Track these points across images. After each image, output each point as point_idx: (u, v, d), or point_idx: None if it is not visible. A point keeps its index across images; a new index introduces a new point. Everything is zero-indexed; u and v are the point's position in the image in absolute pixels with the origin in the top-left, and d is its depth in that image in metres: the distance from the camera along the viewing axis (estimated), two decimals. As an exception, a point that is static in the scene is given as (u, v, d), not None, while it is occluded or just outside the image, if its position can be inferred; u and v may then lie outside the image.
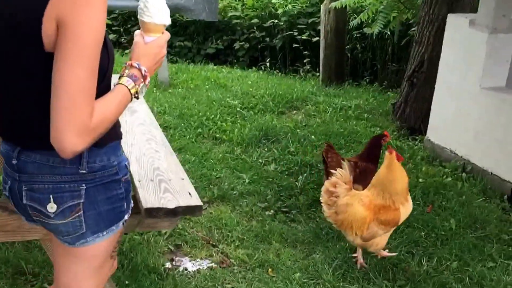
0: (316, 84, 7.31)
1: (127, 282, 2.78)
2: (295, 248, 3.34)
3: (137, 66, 1.58)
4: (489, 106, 4.35)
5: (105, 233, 1.66)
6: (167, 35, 1.68)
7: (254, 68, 8.50)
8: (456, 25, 4.69)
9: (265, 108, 5.78)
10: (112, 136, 1.63)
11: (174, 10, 6.68)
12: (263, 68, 8.53)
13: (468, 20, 4.53)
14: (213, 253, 3.20)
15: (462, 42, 4.61)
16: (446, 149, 4.79)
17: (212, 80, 6.80)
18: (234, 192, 3.90)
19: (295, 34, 8.75)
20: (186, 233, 3.36)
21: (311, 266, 3.14)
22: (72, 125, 1.39)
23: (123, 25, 9.63)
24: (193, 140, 4.86)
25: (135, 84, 1.56)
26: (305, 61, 8.39)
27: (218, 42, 9.33)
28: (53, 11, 1.40)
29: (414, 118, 5.50)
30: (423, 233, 3.56)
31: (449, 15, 4.83)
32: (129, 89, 1.54)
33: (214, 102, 5.75)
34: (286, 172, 4.28)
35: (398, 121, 5.60)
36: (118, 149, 1.69)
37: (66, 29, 1.39)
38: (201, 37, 9.46)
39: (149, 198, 2.29)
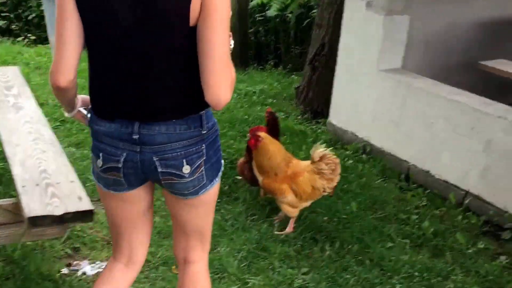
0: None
1: (19, 292, 2.65)
2: (199, 242, 3.30)
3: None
4: (386, 88, 4.48)
5: (217, 178, 1.98)
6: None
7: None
8: (353, 7, 4.76)
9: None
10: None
11: None
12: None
13: (365, 2, 4.60)
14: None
15: (359, 25, 4.70)
16: (347, 132, 4.90)
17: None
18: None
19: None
20: (85, 235, 3.24)
21: (216, 260, 3.12)
22: (228, 81, 1.73)
23: (13, 11, 9.15)
24: (92, 133, 4.69)
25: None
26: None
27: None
28: None
29: (317, 101, 5.58)
30: (326, 217, 3.63)
31: (346, -3, 4.91)
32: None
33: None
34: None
35: (302, 105, 5.66)
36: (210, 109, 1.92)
37: (211, 4, 1.67)
38: None
39: (33, 205, 2.17)
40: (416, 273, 3.12)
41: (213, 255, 3.16)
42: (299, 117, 5.48)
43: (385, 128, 4.50)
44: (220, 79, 1.71)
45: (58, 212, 2.14)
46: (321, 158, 3.38)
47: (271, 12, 7.86)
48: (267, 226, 3.47)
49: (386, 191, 4.02)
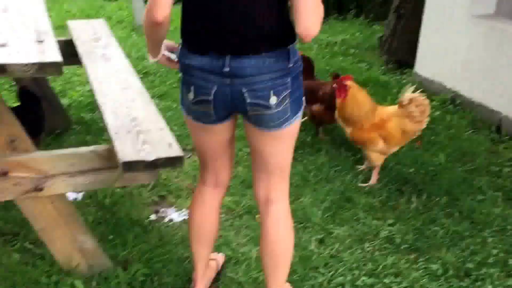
0: (300, 20, 7.17)
1: (111, 236, 2.77)
2: (283, 192, 3.33)
3: None
4: (478, 34, 4.28)
5: (299, 113, 2.07)
6: None
7: None
8: (442, -49, 4.57)
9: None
10: (295, 33, 1.92)
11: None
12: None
13: None
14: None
15: (449, -31, 4.50)
16: (434, 82, 4.75)
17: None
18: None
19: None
20: (171, 183, 3.34)
21: (300, 209, 3.14)
22: (318, 15, 1.81)
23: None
24: (175, 85, 4.78)
25: None
26: (288, -4, 8.19)
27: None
28: None
29: (402, 51, 5.43)
30: (412, 169, 3.57)
31: None
32: None
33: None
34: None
35: (386, 55, 5.53)
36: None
37: None
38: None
39: (127, 151, 2.23)
40: (509, 227, 3.03)
41: (296, 205, 3.19)
42: (383, 67, 5.36)
43: (476, 78, 4.33)
44: (314, 16, 1.80)
45: (150, 157, 2.20)
46: (410, 100, 3.30)
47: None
48: (351, 177, 3.46)
49: (476, 143, 3.90)
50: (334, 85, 3.52)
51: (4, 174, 2.19)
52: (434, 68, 4.77)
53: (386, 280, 2.61)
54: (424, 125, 3.35)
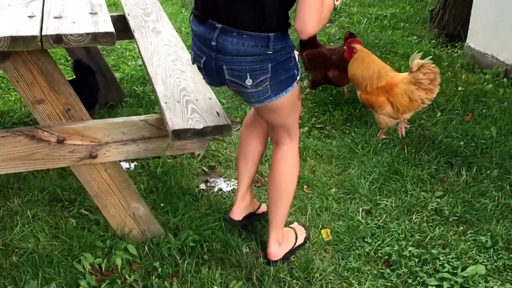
0: (349, -6, 7.10)
1: (162, 204, 2.86)
2: (330, 164, 3.35)
3: None
4: (533, 5, 4.16)
5: (284, 93, 2.22)
6: None
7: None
8: None
9: (295, 23, 5.66)
10: (287, 24, 2.12)
11: None
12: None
13: None
14: (248, 173, 3.24)
15: None
16: (487, 55, 4.64)
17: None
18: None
19: None
20: (220, 154, 3.40)
21: (347, 181, 3.16)
22: (314, 17, 1.97)
23: None
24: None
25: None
26: (337, -30, 8.10)
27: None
28: None
29: (453, 24, 5.31)
30: (462, 142, 3.52)
31: None
32: (334, 1, 2.16)
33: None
34: (320, 88, 4.23)
35: (436, 29, 5.42)
36: (288, 36, 2.17)
37: None
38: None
39: (176, 120, 2.30)
40: (562, 200, 2.98)
41: (343, 176, 3.21)
42: (433, 41, 5.26)
43: (531, 50, 4.21)
44: (309, 15, 1.96)
45: (199, 126, 2.25)
46: (420, 67, 3.30)
47: None
48: (399, 150, 3.44)
49: (530, 117, 3.81)
50: (345, 47, 3.64)
51: (61, 141, 2.29)
52: (487, 41, 4.65)
53: (434, 251, 2.61)
54: (434, 94, 3.35)
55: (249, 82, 2.16)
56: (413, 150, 3.44)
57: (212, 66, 2.19)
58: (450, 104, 3.96)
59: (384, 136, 3.58)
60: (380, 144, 3.49)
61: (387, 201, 2.99)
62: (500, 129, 3.66)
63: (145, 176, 3.12)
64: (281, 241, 2.55)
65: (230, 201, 2.96)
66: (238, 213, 2.68)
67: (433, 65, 3.32)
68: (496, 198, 3.01)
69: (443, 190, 3.10)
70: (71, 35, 2.00)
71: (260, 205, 2.83)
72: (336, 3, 2.20)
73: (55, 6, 2.34)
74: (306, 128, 3.72)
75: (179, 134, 2.25)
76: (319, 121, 3.81)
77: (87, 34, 2.01)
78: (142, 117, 2.44)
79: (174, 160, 3.27)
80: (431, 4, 6.19)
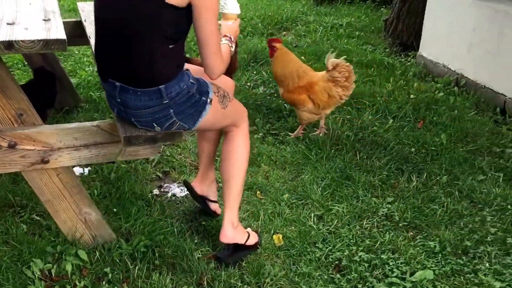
0: (307, 3, 7.20)
1: (114, 209, 2.84)
2: (284, 170, 3.40)
3: (228, 36, 2.53)
4: (482, 17, 4.30)
5: (200, 119, 2.35)
6: (239, 21, 2.65)
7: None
8: None
9: (254, 31, 5.73)
10: (177, 71, 2.25)
11: None
12: (252, -12, 8.35)
13: None
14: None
15: (454, -49, 4.51)
16: (439, 64, 4.78)
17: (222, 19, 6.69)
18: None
19: (284, -49, 8.50)
20: (174, 160, 3.41)
21: (300, 187, 3.20)
22: (220, 60, 2.26)
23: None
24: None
25: (230, 44, 2.50)
26: (295, -21, 8.20)
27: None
28: None
29: (407, 34, 5.46)
30: (413, 149, 3.62)
31: None
32: (230, 46, 2.49)
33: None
34: (275, 95, 4.29)
35: (390, 38, 5.56)
36: (183, 76, 2.28)
37: (201, 5, 2.11)
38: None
39: (128, 126, 2.32)
40: (509, 206, 3.07)
41: (296, 182, 3.25)
42: (387, 50, 5.39)
43: (481, 60, 4.35)
44: (215, 60, 2.25)
45: (150, 132, 2.28)
46: (335, 66, 3.50)
47: None
48: (352, 156, 3.51)
49: (479, 124, 3.93)
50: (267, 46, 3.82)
51: (12, 146, 2.27)
52: (438, 51, 4.79)
53: (384, 256, 2.66)
54: (350, 91, 3.60)
55: (158, 129, 2.30)
56: (365, 156, 3.52)
57: (123, 116, 2.33)
58: (402, 111, 4.07)
59: (301, 133, 3.76)
60: (333, 150, 3.56)
61: (338, 206, 3.04)
62: (450, 136, 3.77)
63: (99, 181, 3.10)
64: (236, 224, 2.60)
65: (183, 206, 2.97)
66: (198, 185, 2.83)
67: (347, 63, 3.54)
68: (445, 203, 3.09)
69: (394, 196, 3.17)
70: (22, 41, 2.00)
71: (215, 201, 2.89)
72: (232, 48, 2.52)
73: (9, 13, 2.34)
74: (260, 134, 3.76)
75: (131, 140, 2.27)
76: (273, 127, 3.86)
77: (39, 40, 2.02)
78: (95, 122, 2.44)
79: (128, 165, 3.27)
80: (386, 14, 6.34)
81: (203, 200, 2.84)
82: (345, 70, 3.54)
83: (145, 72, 2.17)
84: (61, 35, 2.10)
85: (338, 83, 3.54)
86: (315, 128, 3.85)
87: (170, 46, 2.17)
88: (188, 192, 2.98)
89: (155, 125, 2.28)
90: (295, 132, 3.76)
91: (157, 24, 2.11)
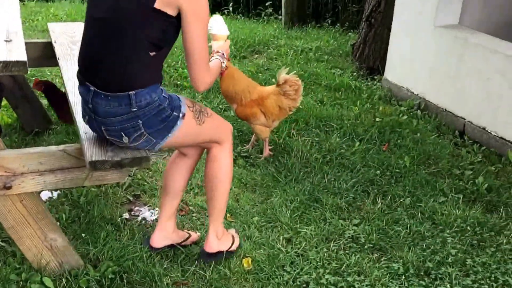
0: (278, 28, 7.13)
1: (83, 234, 2.69)
2: (254, 193, 3.28)
3: (221, 52, 2.52)
4: (443, 44, 4.27)
5: (170, 134, 2.22)
6: (229, 42, 2.65)
7: (217, 13, 8.24)
8: (410, -37, 4.55)
9: (226, 54, 5.61)
10: (151, 80, 2.13)
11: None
12: (226, 12, 8.28)
13: (422, -43, 4.39)
14: (172, 201, 3.12)
15: (416, -19, 4.48)
16: (403, 88, 4.73)
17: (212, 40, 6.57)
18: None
19: (256, -23, 8.48)
20: (145, 183, 3.26)
21: (269, 209, 3.09)
22: (207, 73, 2.17)
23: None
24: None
25: (222, 60, 2.48)
26: (267, 4, 8.16)
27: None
28: None
29: (373, 58, 5.41)
30: (378, 171, 3.53)
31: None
32: (221, 62, 2.47)
33: (175, 49, 5.53)
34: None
35: (358, 62, 5.51)
36: (157, 88, 2.16)
37: (190, 14, 2.03)
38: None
39: (94, 150, 2.18)
40: (469, 228, 3.00)
41: (266, 205, 3.14)
42: (355, 73, 5.33)
43: (442, 85, 4.31)
44: (201, 71, 2.15)
45: (117, 157, 2.14)
46: (285, 81, 3.53)
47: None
48: (320, 178, 3.41)
49: (440, 147, 3.87)
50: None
51: (-27, 172, 2.11)
52: (402, 75, 4.75)
53: (349, 279, 2.56)
54: (298, 103, 3.64)
55: (125, 139, 2.17)
56: (333, 179, 3.42)
57: (94, 125, 2.22)
58: (368, 134, 3.99)
59: (270, 153, 3.69)
60: (302, 173, 3.46)
61: (307, 229, 2.93)
62: (413, 158, 3.70)
63: (68, 205, 2.94)
64: (220, 236, 2.59)
65: (153, 230, 2.82)
66: (157, 241, 2.62)
67: (297, 78, 3.57)
68: (409, 225, 3.01)
69: (360, 218, 3.08)
70: (-19, 63, 1.86)
71: (189, 236, 2.72)
72: (223, 64, 2.49)
73: (-31, 33, 2.18)
74: (231, 156, 3.63)
75: (97, 165, 2.13)
76: (244, 149, 3.74)
77: (-2, 62, 1.87)
78: (61, 147, 2.29)
79: (99, 189, 3.11)
80: (353, 38, 6.30)
81: (174, 247, 2.67)
82: (295, 84, 3.55)
83: (118, 74, 2.07)
84: (22, 57, 1.96)
85: (288, 96, 3.56)
86: (259, 155, 3.72)
87: (152, 53, 2.08)
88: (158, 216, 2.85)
89: (123, 135, 2.15)
90: (264, 152, 3.67)
91: (142, 27, 2.02)
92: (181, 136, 2.27)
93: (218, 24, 2.60)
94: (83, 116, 2.28)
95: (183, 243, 2.70)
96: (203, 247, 2.59)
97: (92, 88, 2.13)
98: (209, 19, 2.18)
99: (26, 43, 2.24)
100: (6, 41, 2.10)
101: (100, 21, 2.09)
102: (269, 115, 3.55)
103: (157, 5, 1.99)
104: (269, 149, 3.70)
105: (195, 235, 2.76)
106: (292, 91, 3.56)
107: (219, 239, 2.59)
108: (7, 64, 1.88)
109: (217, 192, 2.51)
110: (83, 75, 2.19)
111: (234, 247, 2.66)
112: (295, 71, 3.84)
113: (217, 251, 2.58)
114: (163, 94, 2.20)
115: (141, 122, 2.14)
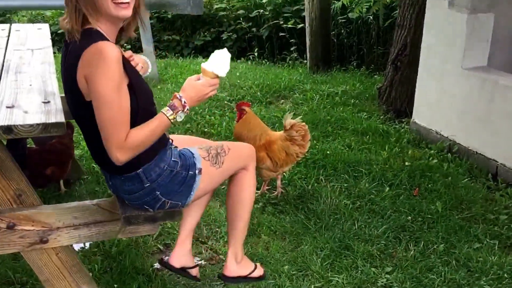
0: (303, 72, 7.23)
1: (116, 285, 2.74)
2: (284, 240, 3.30)
3: (179, 97, 2.12)
4: (471, 86, 4.28)
5: (192, 192, 2.27)
6: (217, 81, 2.19)
7: (242, 59, 8.41)
8: (435, 7, 4.62)
9: (253, 99, 5.71)
10: (153, 151, 2.15)
11: (159, 6, 6.60)
12: (251, 58, 8.43)
13: (447, 1, 4.45)
14: (202, 250, 3.16)
15: (442, 24, 4.54)
16: (431, 131, 4.73)
17: (201, 73, 6.67)
18: (223, 187, 3.82)
19: (281, 22, 8.63)
20: (175, 231, 3.30)
21: (300, 257, 3.10)
22: (111, 146, 1.99)
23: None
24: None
25: (173, 112, 2.09)
26: (292, 49, 8.29)
27: (206, 34, 9.23)
28: (81, 71, 1.97)
29: (400, 101, 5.44)
30: (409, 217, 3.52)
31: (428, -3, 4.76)
32: (167, 116, 2.08)
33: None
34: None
35: (384, 105, 5.54)
36: (164, 155, 2.20)
37: (90, 86, 1.96)
38: (189, 30, 9.36)
39: (127, 205, 2.24)
40: (506, 275, 2.96)
41: (296, 253, 3.15)
42: (382, 116, 5.35)
43: (472, 127, 4.31)
44: (107, 145, 2.02)
45: (150, 211, 2.20)
46: (292, 126, 3.57)
47: (353, 14, 7.75)
48: (350, 225, 3.41)
49: (473, 191, 3.84)
50: (235, 109, 3.91)
51: (11, 227, 2.19)
52: (430, 118, 4.76)
53: (384, 329, 2.55)
54: (306, 148, 3.66)
55: (150, 210, 2.23)
56: (363, 225, 3.42)
57: (120, 197, 2.30)
58: (398, 179, 3.99)
59: (267, 188, 3.80)
60: (331, 220, 3.47)
61: (338, 277, 2.93)
62: (445, 203, 3.68)
63: (100, 255, 3.00)
64: (239, 259, 2.59)
65: (184, 280, 2.85)
66: (176, 259, 2.61)
67: (303, 123, 3.61)
68: (443, 273, 2.98)
69: (392, 265, 3.06)
70: (21, 126, 1.95)
71: (195, 265, 2.70)
72: (175, 119, 2.09)
73: (9, 95, 2.29)
74: (260, 204, 3.67)
75: (130, 219, 2.20)
76: (272, 196, 3.77)
77: (38, 124, 1.96)
78: (95, 201, 2.37)
79: (130, 238, 3.17)
80: (379, 81, 6.35)
81: (182, 271, 2.67)
82: (302, 129, 3.59)
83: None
84: (60, 118, 2.05)
85: (295, 141, 3.58)
86: (273, 190, 3.83)
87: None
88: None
89: (146, 207, 2.24)
90: (261, 189, 3.77)
91: (93, 119, 2.02)
92: (204, 186, 2.32)
93: (217, 59, 2.18)
94: (108, 185, 2.39)
95: (191, 270, 2.67)
96: (222, 271, 2.60)
97: (105, 171, 2.26)
98: (112, 97, 1.96)
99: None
100: (44, 102, 2.20)
101: (75, 119, 2.20)
102: (276, 160, 3.59)
103: (87, 99, 2.03)
104: (267, 189, 3.83)
105: (196, 269, 2.72)
106: (299, 137, 3.58)
107: (239, 263, 2.58)
108: (46, 126, 1.96)
109: (239, 214, 2.53)
110: (94, 159, 2.31)
111: (255, 275, 2.64)
112: (289, 111, 3.89)
113: (237, 276, 2.57)
114: (172, 159, 2.23)
115: (158, 193, 2.19)
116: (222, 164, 2.36)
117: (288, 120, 3.59)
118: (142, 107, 2.10)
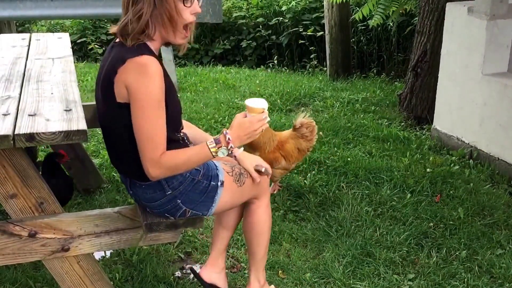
0: (323, 79, 7.21)
1: (137, 293, 2.74)
2: (305, 248, 3.27)
3: (224, 133, 2.13)
4: (492, 92, 4.22)
5: (214, 204, 2.26)
6: (264, 116, 2.20)
7: (262, 66, 8.41)
8: (455, 13, 4.57)
9: (273, 107, 5.70)
10: None
11: (179, 17, 6.62)
12: (271, 66, 8.44)
13: (467, 8, 4.41)
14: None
15: (462, 30, 4.49)
16: (453, 137, 4.67)
17: (221, 81, 6.72)
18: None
19: (300, 30, 8.63)
20: (196, 240, 3.30)
21: (321, 265, 3.07)
22: (145, 160, 2.02)
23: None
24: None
25: (216, 145, 2.11)
26: (311, 56, 8.28)
27: (225, 42, 9.26)
28: (121, 77, 2.00)
29: (421, 107, 5.39)
30: (431, 224, 3.47)
31: (447, 3, 4.71)
32: (209, 147, 2.10)
33: (222, 104, 5.67)
34: (295, 171, 4.20)
35: (405, 112, 5.49)
36: None
37: (131, 94, 1.98)
38: (208, 38, 9.41)
39: (148, 212, 2.24)
40: (530, 282, 2.90)
41: (318, 260, 3.12)
42: (403, 123, 5.30)
43: (493, 133, 4.24)
44: (142, 158, 2.04)
45: (172, 218, 2.20)
46: (302, 124, 3.72)
47: (373, 22, 7.71)
48: (372, 232, 3.37)
49: (495, 197, 3.78)
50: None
51: (32, 235, 2.20)
52: (451, 124, 4.70)
53: (407, 337, 2.50)
54: (314, 142, 3.81)
55: (171, 218, 2.24)
56: (385, 232, 3.38)
57: (141, 206, 2.31)
58: (419, 185, 3.94)
59: (279, 186, 3.91)
60: (353, 227, 3.43)
61: (360, 284, 2.89)
62: (467, 210, 3.62)
63: (121, 264, 3.00)
64: (262, 283, 2.63)
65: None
66: (207, 275, 2.65)
67: (311, 119, 3.79)
68: (466, 279, 2.93)
69: (415, 272, 3.02)
70: (43, 133, 1.96)
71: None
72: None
73: (31, 103, 2.31)
74: (281, 211, 3.65)
75: (152, 226, 2.20)
76: (294, 204, 3.75)
77: (60, 132, 1.97)
78: (116, 208, 2.37)
79: (150, 246, 3.17)
80: (400, 88, 6.29)
81: (211, 287, 2.68)
82: (310, 125, 3.74)
83: (140, 166, 2.07)
84: (82, 125, 2.06)
85: (306, 138, 3.74)
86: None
87: None
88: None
89: (167, 216, 2.25)
90: (272, 189, 3.81)
91: (121, 123, 2.07)
92: (225, 200, 2.31)
93: (257, 101, 2.26)
94: (128, 192, 2.40)
95: None
96: None
97: (127, 177, 2.25)
98: (153, 103, 2.00)
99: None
100: (65, 110, 2.21)
101: (101, 126, 2.23)
102: (289, 158, 3.68)
103: (118, 100, 2.05)
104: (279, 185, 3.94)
105: None
106: (308, 133, 3.74)
107: (262, 286, 2.61)
108: (68, 134, 1.97)
109: (259, 244, 2.55)
110: (115, 167, 2.34)
111: None
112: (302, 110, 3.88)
113: None
114: (195, 168, 2.22)
115: (180, 201, 2.20)
116: (243, 184, 2.36)
117: (299, 120, 3.73)
118: (169, 115, 2.11)
